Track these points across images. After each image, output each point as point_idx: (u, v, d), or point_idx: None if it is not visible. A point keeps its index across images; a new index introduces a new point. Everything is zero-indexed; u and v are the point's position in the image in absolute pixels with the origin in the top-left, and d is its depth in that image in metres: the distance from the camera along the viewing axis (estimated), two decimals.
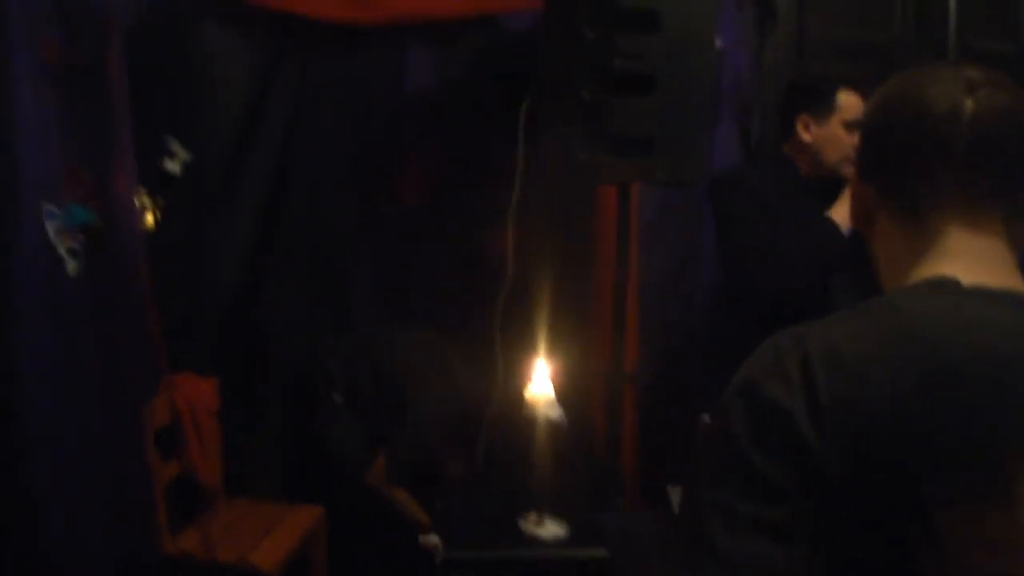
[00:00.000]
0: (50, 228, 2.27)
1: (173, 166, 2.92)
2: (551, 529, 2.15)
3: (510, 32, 3.24)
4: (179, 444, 2.86)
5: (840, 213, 2.46)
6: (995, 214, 0.98)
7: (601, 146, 2.58)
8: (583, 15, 2.53)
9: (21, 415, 2.21)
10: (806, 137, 2.55)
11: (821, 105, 2.54)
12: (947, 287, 0.93)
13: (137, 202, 2.69)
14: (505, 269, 2.84)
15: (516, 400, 2.25)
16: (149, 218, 2.76)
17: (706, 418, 2.07)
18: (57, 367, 2.28)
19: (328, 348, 3.18)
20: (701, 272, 3.44)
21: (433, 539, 2.60)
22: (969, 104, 0.97)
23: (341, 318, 3.23)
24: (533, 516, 2.17)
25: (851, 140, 2.49)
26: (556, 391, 2.17)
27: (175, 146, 2.93)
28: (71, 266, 2.36)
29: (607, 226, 3.07)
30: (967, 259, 0.97)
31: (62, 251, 2.32)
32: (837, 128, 2.52)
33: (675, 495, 2.16)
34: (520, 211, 2.79)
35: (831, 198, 2.51)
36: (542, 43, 2.68)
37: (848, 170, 2.48)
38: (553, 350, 2.42)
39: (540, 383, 2.13)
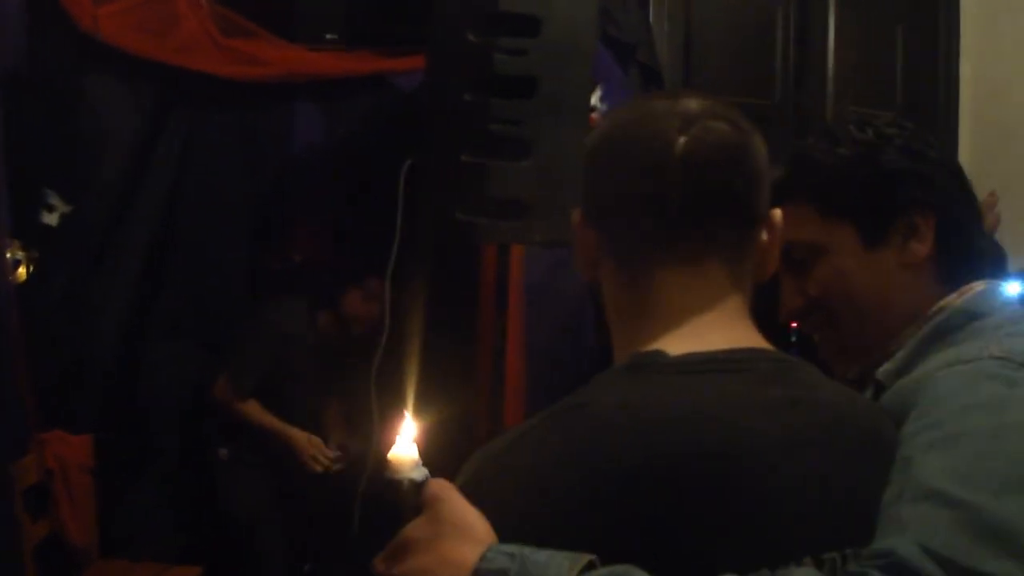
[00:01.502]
0: None
1: (51, 219, 2.88)
2: None
3: (399, 91, 3.29)
4: (49, 503, 2.78)
5: None
6: (714, 260, 0.90)
7: (480, 207, 2.64)
8: (463, 79, 2.59)
9: None
10: None
11: None
12: (650, 367, 0.85)
13: (9, 255, 2.64)
14: (382, 328, 2.86)
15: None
16: (22, 271, 2.70)
17: None
18: None
19: (212, 402, 3.16)
20: (592, 326, 3.52)
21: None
22: (681, 145, 0.88)
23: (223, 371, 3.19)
24: None
25: None
26: (436, 452, 2.19)
27: (54, 199, 2.89)
28: None
29: (488, 284, 3.12)
30: (691, 318, 0.88)
31: None
32: None
33: None
34: (399, 270, 2.81)
35: None
36: (424, 105, 2.73)
37: None
38: (431, 412, 2.44)
39: (404, 443, 2.13)
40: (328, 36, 3.25)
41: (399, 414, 2.43)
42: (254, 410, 3.13)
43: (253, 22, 3.15)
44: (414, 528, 0.84)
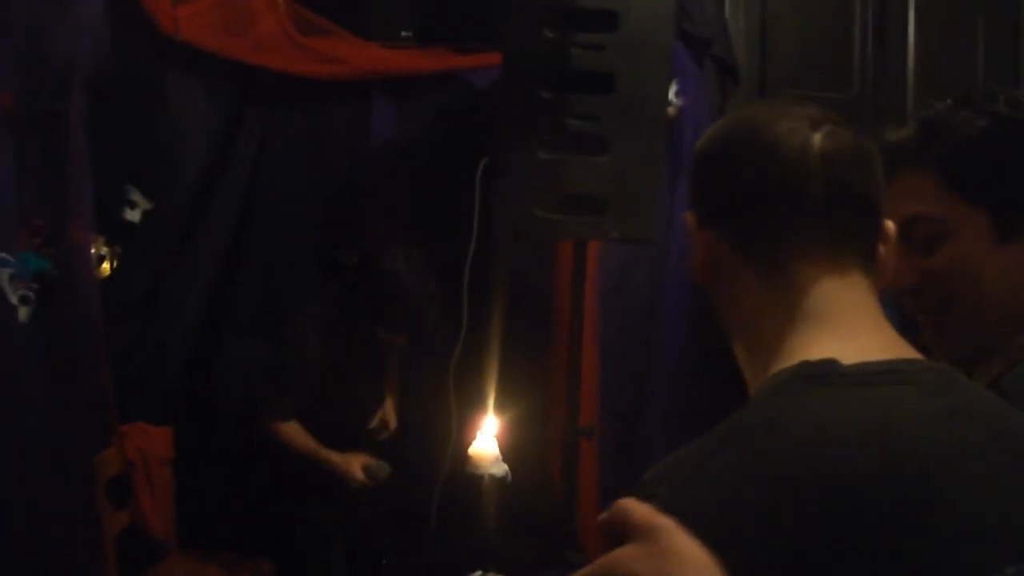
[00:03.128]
0: (3, 275, 2.28)
1: (133, 215, 2.94)
2: None
3: (473, 88, 3.29)
4: (130, 494, 2.84)
5: None
6: (857, 260, 0.89)
7: (556, 204, 2.63)
8: (540, 76, 2.58)
9: None
10: None
11: None
12: (830, 378, 0.80)
13: (94, 250, 2.70)
14: (460, 324, 2.86)
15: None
16: (106, 267, 2.76)
17: None
18: (2, 414, 2.27)
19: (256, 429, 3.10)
20: (663, 326, 3.48)
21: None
22: (817, 141, 0.89)
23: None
24: None
25: None
26: (513, 447, 2.18)
27: (136, 196, 2.95)
28: (22, 312, 2.37)
29: (564, 281, 3.10)
30: (842, 321, 0.86)
31: (14, 298, 2.33)
32: None
33: None
34: (476, 266, 2.81)
35: None
36: (500, 101, 2.72)
37: None
38: (509, 405, 2.44)
39: (485, 439, 2.13)
40: (403, 33, 3.26)
41: (477, 411, 2.43)
42: (292, 432, 2.99)
43: (329, 20, 3.17)
44: (632, 560, 0.66)
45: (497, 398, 2.43)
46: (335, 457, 3.00)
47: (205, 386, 3.19)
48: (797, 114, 0.91)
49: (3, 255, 2.26)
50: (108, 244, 2.79)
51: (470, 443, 2.18)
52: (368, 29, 3.24)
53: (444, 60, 3.26)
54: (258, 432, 2.99)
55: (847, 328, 0.86)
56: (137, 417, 2.95)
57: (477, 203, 2.82)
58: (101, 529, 2.68)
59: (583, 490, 3.02)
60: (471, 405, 2.70)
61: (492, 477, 2.11)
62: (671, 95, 3.33)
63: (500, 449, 2.18)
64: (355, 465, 3.00)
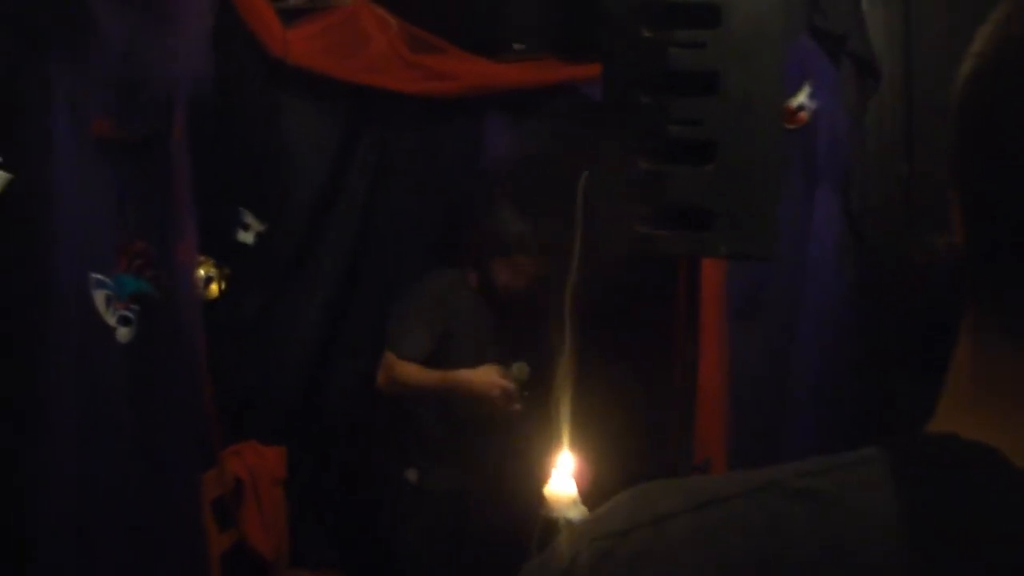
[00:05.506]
0: (98, 297, 2.33)
1: (246, 237, 2.98)
2: None
3: (589, 99, 3.14)
4: (238, 514, 2.85)
5: None
6: None
7: (660, 218, 2.44)
8: (638, 80, 2.41)
9: (48, 478, 2.23)
10: None
11: None
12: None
13: (202, 272, 2.74)
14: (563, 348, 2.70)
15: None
16: (214, 288, 2.80)
17: None
18: (95, 435, 2.31)
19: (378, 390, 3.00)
20: (800, 354, 3.20)
21: None
22: None
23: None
24: None
25: None
26: (615, 484, 2.01)
27: (249, 217, 2.98)
28: (122, 333, 2.41)
29: (683, 305, 2.89)
30: None
31: (112, 319, 2.37)
32: None
33: None
34: (579, 287, 2.65)
35: None
36: (600, 109, 2.57)
37: None
38: (616, 441, 2.26)
39: (562, 478, 1.95)
40: (515, 47, 3.17)
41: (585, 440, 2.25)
42: (415, 371, 2.89)
43: (439, 36, 3.12)
44: None
45: (601, 432, 2.25)
46: (466, 374, 2.89)
47: (320, 406, 3.19)
48: None
49: (99, 276, 2.31)
50: (218, 266, 2.83)
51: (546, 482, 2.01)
52: (480, 43, 3.17)
53: (557, 72, 3.15)
54: (384, 384, 2.89)
55: None
56: (246, 435, 2.98)
57: (579, 219, 2.66)
58: (206, 549, 2.70)
59: None
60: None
61: (568, 521, 1.92)
62: (804, 98, 3.08)
63: (584, 489, 2.00)
64: (491, 374, 2.88)
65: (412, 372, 2.89)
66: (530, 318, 3.00)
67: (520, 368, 2.86)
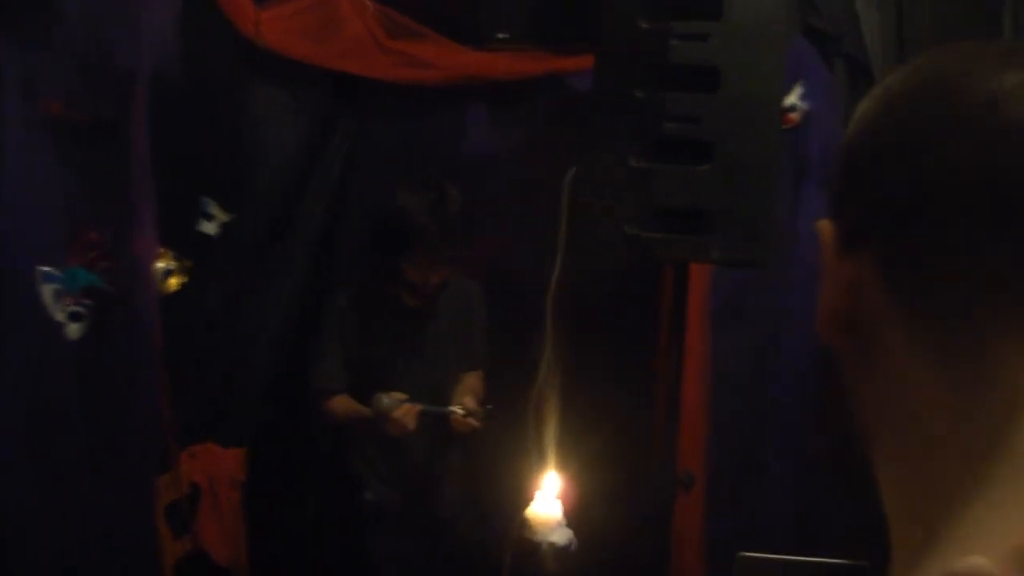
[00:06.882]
0: (46, 291, 2.16)
1: (210, 228, 2.81)
2: None
3: (576, 92, 3.01)
4: (194, 520, 2.69)
5: None
6: None
7: (650, 219, 2.31)
8: (634, 73, 2.28)
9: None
10: None
11: None
12: None
13: (161, 265, 2.57)
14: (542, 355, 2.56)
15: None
16: (173, 281, 2.63)
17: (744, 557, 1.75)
18: (41, 438, 2.14)
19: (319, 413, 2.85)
20: (781, 361, 3.09)
21: None
22: None
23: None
24: None
25: None
26: (600, 495, 1.89)
27: (213, 208, 2.81)
28: (72, 329, 2.25)
29: (667, 307, 2.77)
30: None
31: (61, 315, 2.21)
32: None
33: None
34: (561, 290, 2.51)
35: None
36: (590, 103, 2.44)
37: None
38: (597, 453, 2.14)
39: (546, 501, 1.83)
40: (499, 35, 3.02)
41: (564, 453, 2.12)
42: (335, 404, 2.76)
43: (419, 22, 2.96)
44: None
45: (582, 445, 2.12)
46: (364, 411, 2.68)
47: (284, 407, 3.03)
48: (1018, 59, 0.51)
49: (47, 269, 2.15)
50: (178, 258, 2.65)
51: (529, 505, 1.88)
52: (462, 31, 3.02)
53: (544, 63, 3.01)
54: (315, 415, 2.82)
55: None
56: (211, 437, 2.82)
57: (564, 218, 2.53)
58: (159, 557, 2.54)
59: (683, 545, 2.66)
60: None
61: (551, 545, 1.79)
62: (796, 98, 2.97)
63: (568, 507, 1.87)
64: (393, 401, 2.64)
65: (333, 406, 2.79)
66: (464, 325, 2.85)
67: (387, 399, 2.63)
